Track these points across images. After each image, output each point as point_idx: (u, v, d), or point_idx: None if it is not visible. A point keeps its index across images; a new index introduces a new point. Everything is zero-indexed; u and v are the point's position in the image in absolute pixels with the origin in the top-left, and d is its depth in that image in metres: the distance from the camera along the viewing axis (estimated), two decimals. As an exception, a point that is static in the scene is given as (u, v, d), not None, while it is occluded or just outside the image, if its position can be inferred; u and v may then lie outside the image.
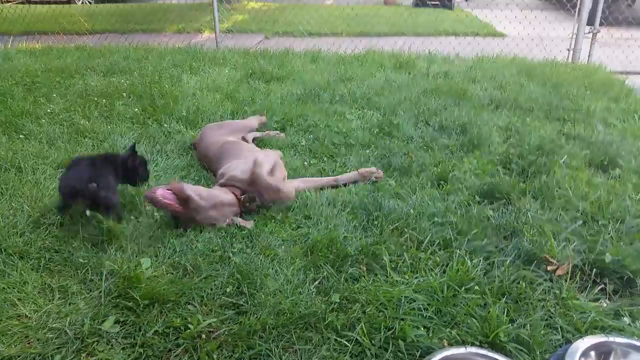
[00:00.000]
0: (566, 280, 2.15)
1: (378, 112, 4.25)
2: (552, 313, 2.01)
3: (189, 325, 1.88)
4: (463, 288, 2.08)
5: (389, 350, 1.81)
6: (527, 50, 6.84)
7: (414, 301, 2.01)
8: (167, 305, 1.99)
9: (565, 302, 2.05)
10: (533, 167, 3.17)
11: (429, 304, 2.00)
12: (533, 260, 2.29)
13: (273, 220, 2.60)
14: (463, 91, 4.72)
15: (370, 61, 6.09)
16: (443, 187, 2.95)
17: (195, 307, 2.00)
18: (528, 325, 1.91)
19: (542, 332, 1.88)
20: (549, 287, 2.15)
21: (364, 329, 1.87)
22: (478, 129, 3.75)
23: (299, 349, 1.82)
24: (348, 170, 3.14)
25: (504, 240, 2.46)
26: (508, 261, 2.26)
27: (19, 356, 1.75)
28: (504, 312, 1.96)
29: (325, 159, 3.35)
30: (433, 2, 11.21)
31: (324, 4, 12.09)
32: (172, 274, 2.18)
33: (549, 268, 2.24)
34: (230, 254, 2.30)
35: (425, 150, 3.49)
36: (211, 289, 2.09)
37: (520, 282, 2.15)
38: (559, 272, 2.21)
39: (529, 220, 2.59)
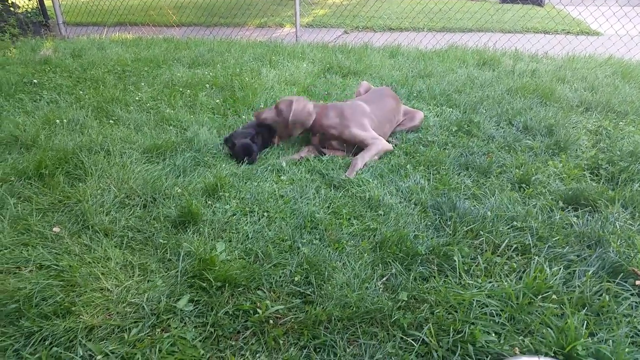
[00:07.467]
0: (658, 298, 1.98)
1: (457, 109, 4.12)
2: (639, 330, 1.85)
3: (258, 310, 1.92)
4: (540, 296, 1.98)
5: (457, 354, 1.75)
6: (624, 50, 6.35)
7: (486, 306, 1.94)
8: (238, 289, 2.05)
9: (655, 320, 1.89)
10: (624, 174, 2.94)
11: (502, 310, 1.92)
12: (619, 273, 2.12)
13: (345, 209, 2.60)
14: (551, 91, 4.46)
15: (452, 57, 5.92)
16: (524, 190, 2.81)
17: (265, 292, 2.04)
18: (610, 340, 1.78)
19: (627, 349, 1.74)
20: (636, 302, 1.99)
21: (432, 329, 1.83)
22: (565, 131, 3.54)
23: (364, 344, 1.81)
24: (420, 169, 3.08)
25: (587, 249, 2.30)
26: (591, 271, 2.12)
27: (100, 326, 1.87)
28: (583, 324, 1.85)
29: (401, 155, 3.29)
30: (522, -2, 10.69)
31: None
32: (244, 259, 2.24)
33: (637, 282, 2.07)
34: (300, 245, 2.32)
35: (507, 151, 3.33)
36: (280, 277, 2.13)
37: (604, 294, 2.01)
38: (649, 287, 2.04)
39: (616, 230, 2.41)
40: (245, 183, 2.91)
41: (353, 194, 2.79)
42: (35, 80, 4.79)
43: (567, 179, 2.94)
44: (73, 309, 1.92)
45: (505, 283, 2.05)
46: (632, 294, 2.02)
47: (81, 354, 1.75)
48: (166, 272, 2.17)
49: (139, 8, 10.24)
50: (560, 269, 2.14)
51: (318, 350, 1.80)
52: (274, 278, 2.12)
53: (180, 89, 4.60)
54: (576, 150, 3.32)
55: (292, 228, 2.46)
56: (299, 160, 3.23)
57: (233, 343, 1.82)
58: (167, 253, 2.28)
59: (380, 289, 2.07)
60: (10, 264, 2.18)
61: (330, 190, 2.83)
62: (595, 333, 1.83)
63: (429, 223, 2.52)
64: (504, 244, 2.31)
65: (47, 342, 1.79)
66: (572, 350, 1.72)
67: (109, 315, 1.93)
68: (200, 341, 1.82)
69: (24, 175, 2.90)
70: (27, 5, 7.90)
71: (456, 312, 1.92)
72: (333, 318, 1.90)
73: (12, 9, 7.40)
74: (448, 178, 2.93)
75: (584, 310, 1.92)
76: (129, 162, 3.07)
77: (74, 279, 2.07)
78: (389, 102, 3.62)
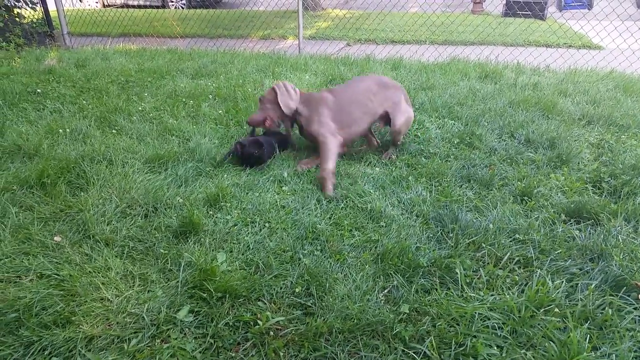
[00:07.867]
0: (661, 312, 1.96)
1: (459, 122, 4.13)
2: (644, 346, 1.84)
3: (258, 321, 1.91)
4: (542, 309, 1.96)
5: (459, 368, 1.74)
6: (626, 64, 6.37)
7: (488, 319, 1.92)
8: (239, 300, 2.04)
9: (659, 335, 1.87)
10: (627, 187, 2.93)
11: (504, 323, 1.90)
12: (622, 286, 2.11)
13: (346, 220, 2.59)
14: (553, 104, 4.47)
15: (454, 70, 5.95)
16: (526, 203, 2.81)
17: (265, 304, 2.03)
18: (614, 355, 1.77)
19: (631, 365, 1.72)
20: (639, 316, 1.97)
21: (434, 342, 1.81)
22: (567, 144, 3.54)
23: (365, 356, 1.79)
24: (422, 180, 3.07)
25: (589, 263, 2.29)
26: (593, 285, 2.10)
27: (100, 336, 1.85)
28: (586, 338, 1.83)
29: (403, 167, 3.30)
30: (524, 12, 10.75)
31: (408, 11, 11.98)
32: (245, 269, 2.23)
33: (640, 296, 2.06)
34: (301, 255, 2.32)
35: (509, 163, 3.33)
36: (281, 288, 2.12)
37: (606, 308, 1.99)
38: (652, 301, 2.02)
39: (619, 243, 2.40)
40: (247, 193, 2.91)
41: (354, 205, 2.78)
42: (39, 90, 4.82)
43: (569, 192, 2.93)
44: (73, 318, 1.91)
45: (508, 296, 2.04)
46: (635, 308, 2.01)
47: (80, 364, 1.74)
48: (166, 282, 2.16)
49: (143, 19, 10.33)
50: (562, 282, 2.12)
51: (318, 362, 1.79)
52: (274, 289, 2.11)
53: (184, 100, 4.62)
54: (578, 163, 3.32)
55: (294, 239, 2.46)
56: (301, 171, 3.23)
57: (233, 355, 1.80)
58: (167, 263, 2.27)
59: (382, 301, 2.06)
60: (10, 273, 2.17)
61: (332, 201, 2.83)
62: (598, 347, 1.81)
63: (431, 235, 2.51)
64: (506, 257, 2.31)
65: (46, 352, 1.78)
66: (575, 364, 1.70)
67: (109, 325, 1.92)
68: (200, 352, 1.80)
69: (26, 184, 2.90)
70: (33, 15, 7.97)
71: (458, 325, 1.90)
72: (334, 330, 1.88)
73: (17, 19, 7.46)
74: (450, 190, 2.93)
75: (587, 324, 1.90)
76: (131, 171, 3.07)
77: (74, 289, 2.06)
78: (364, 85, 3.46)
